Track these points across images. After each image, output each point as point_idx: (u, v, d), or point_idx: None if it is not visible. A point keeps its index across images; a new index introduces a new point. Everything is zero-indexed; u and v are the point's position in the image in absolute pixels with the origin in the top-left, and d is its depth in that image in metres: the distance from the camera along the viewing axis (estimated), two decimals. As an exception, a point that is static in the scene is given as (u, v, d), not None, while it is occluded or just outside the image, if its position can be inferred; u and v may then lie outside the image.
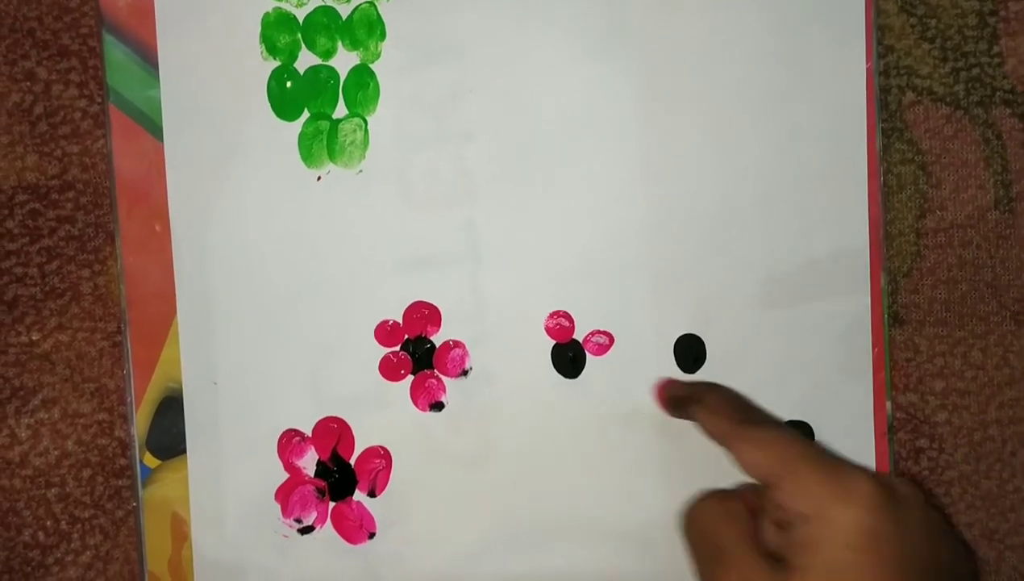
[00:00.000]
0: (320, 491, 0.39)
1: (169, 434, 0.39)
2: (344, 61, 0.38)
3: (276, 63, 0.38)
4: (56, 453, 0.39)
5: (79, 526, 0.39)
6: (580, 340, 0.39)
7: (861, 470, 0.29)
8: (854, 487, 0.28)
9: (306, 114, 0.38)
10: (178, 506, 0.39)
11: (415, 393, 0.39)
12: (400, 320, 0.39)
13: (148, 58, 0.38)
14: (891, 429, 0.40)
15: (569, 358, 0.39)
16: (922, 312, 0.40)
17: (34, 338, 0.39)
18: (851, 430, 0.40)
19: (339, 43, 0.38)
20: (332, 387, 0.39)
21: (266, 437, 0.39)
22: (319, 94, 0.38)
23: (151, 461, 0.39)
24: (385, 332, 0.39)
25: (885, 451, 0.40)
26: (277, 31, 0.38)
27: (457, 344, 0.39)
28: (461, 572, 0.39)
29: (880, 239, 0.39)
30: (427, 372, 0.39)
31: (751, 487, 0.31)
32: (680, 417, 0.37)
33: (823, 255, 0.39)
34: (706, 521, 0.31)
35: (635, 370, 0.39)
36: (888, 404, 0.40)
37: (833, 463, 0.29)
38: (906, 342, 0.41)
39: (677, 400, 0.37)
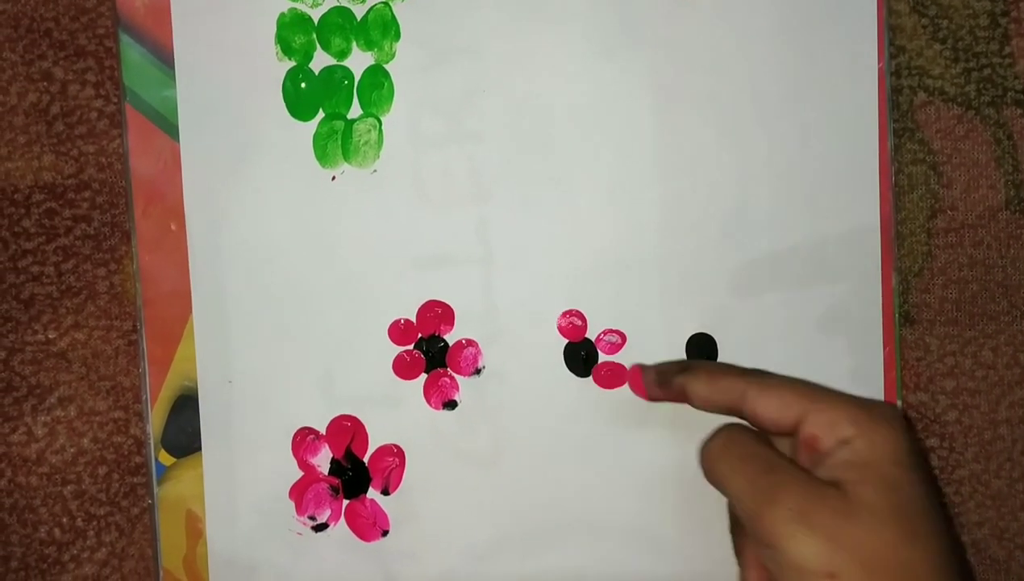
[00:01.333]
0: (334, 489, 0.39)
1: (184, 432, 0.39)
2: (359, 61, 0.39)
3: (291, 63, 0.39)
4: (72, 451, 0.39)
5: (95, 523, 0.40)
6: (592, 339, 0.39)
7: (882, 402, 0.31)
8: (886, 412, 0.30)
9: (321, 114, 0.39)
10: (193, 504, 0.39)
11: (428, 392, 0.39)
12: (414, 319, 0.39)
13: (164, 58, 0.38)
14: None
15: (582, 357, 0.39)
16: (933, 312, 0.41)
17: (50, 336, 0.39)
18: (862, 429, 0.40)
19: (354, 43, 0.39)
20: (346, 385, 0.39)
21: (280, 435, 0.39)
22: (334, 94, 0.39)
23: (166, 459, 0.39)
24: (399, 331, 0.39)
25: (896, 450, 0.40)
26: (292, 31, 0.38)
27: (470, 343, 0.39)
28: (474, 570, 0.39)
29: (891, 239, 0.40)
30: (440, 371, 0.39)
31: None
32: (664, 398, 0.35)
33: (834, 254, 0.39)
34: (746, 444, 0.31)
35: (647, 369, 0.39)
36: (899, 403, 0.40)
37: (854, 396, 0.31)
38: (917, 341, 0.41)
39: (667, 374, 0.35)
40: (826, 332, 0.40)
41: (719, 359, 0.40)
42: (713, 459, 0.31)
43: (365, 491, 0.39)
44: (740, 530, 0.33)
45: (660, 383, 0.35)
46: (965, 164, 0.40)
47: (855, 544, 0.28)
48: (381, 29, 0.39)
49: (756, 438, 0.31)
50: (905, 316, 0.41)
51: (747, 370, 0.35)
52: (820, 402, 0.30)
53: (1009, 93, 0.40)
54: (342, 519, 0.39)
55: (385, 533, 0.39)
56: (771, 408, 0.31)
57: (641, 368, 0.37)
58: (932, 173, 0.40)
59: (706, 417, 0.39)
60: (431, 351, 0.39)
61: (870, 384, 0.40)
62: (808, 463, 0.30)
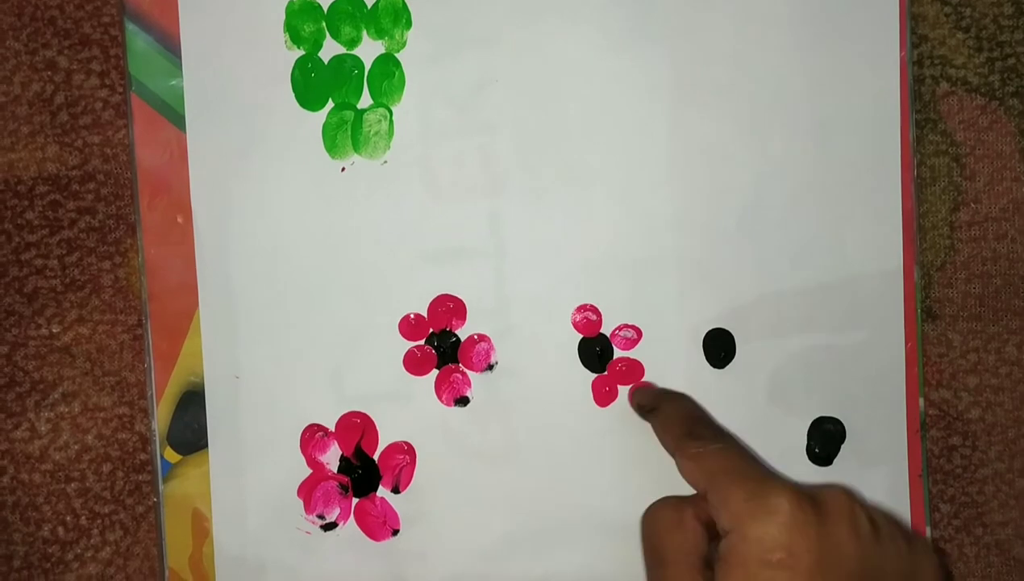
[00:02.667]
0: (343, 487, 0.38)
1: (190, 429, 0.38)
2: (369, 50, 0.38)
3: (300, 52, 0.38)
4: (76, 447, 0.39)
5: (99, 522, 0.39)
6: (607, 335, 0.39)
7: (783, 485, 0.29)
8: (772, 504, 0.29)
9: (330, 104, 0.38)
10: (199, 502, 0.38)
11: (440, 388, 0.39)
12: (425, 313, 0.38)
13: (171, 47, 0.38)
14: (924, 426, 0.39)
15: (596, 353, 0.39)
16: (955, 307, 0.40)
17: (54, 331, 0.39)
18: (883, 427, 0.39)
19: (364, 32, 0.38)
20: (356, 381, 0.38)
21: (289, 432, 0.38)
22: (344, 84, 0.38)
23: (172, 456, 0.38)
24: (409, 326, 0.38)
25: (917, 448, 0.39)
26: (301, 20, 0.38)
27: (482, 338, 0.39)
28: (485, 569, 0.39)
29: (913, 232, 0.39)
30: (452, 366, 0.38)
31: None
32: (645, 419, 0.38)
33: (855, 248, 0.39)
34: (655, 529, 0.32)
35: (663, 365, 0.39)
36: (921, 400, 0.39)
37: (758, 478, 0.30)
38: (939, 337, 0.40)
39: (642, 408, 0.38)
40: (846, 328, 0.39)
41: (737, 355, 0.39)
42: (642, 531, 0.33)
43: (375, 489, 0.39)
44: None
45: (639, 412, 0.38)
46: (988, 156, 0.39)
47: None
48: (392, 17, 0.38)
49: (672, 522, 0.31)
50: (927, 311, 0.40)
51: (693, 421, 0.35)
52: (719, 486, 0.30)
53: (1034, 83, 0.39)
54: (351, 518, 0.39)
55: (395, 532, 0.39)
56: (686, 478, 0.32)
57: (632, 391, 0.39)
58: (955, 165, 0.40)
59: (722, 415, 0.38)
60: (442, 346, 0.38)
61: (891, 381, 0.39)
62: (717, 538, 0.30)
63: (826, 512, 0.29)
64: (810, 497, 0.29)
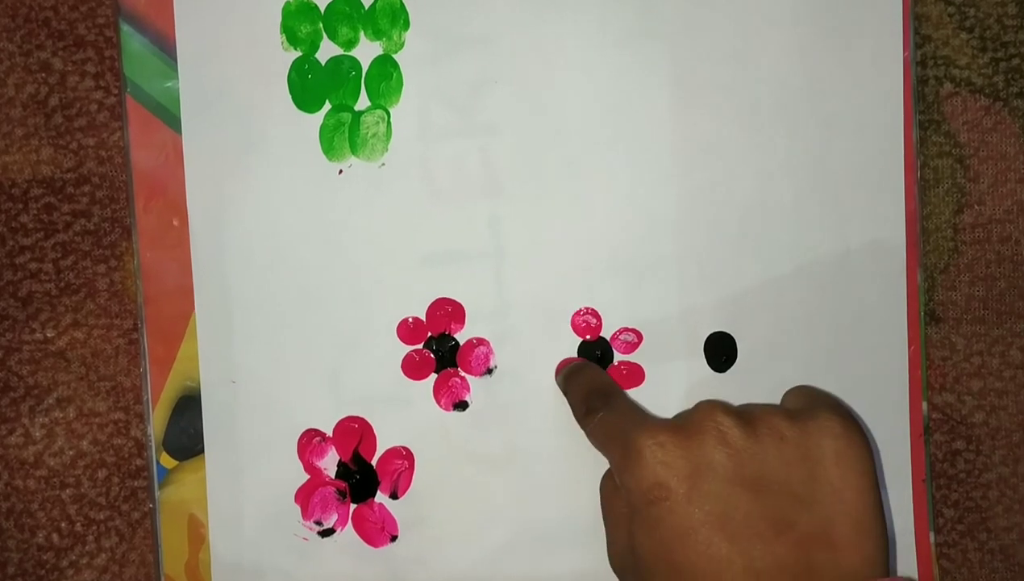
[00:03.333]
0: (341, 493, 0.38)
1: (186, 434, 0.38)
2: (367, 51, 0.38)
3: (297, 53, 0.37)
4: (71, 453, 0.38)
5: (94, 528, 0.38)
6: (608, 338, 0.38)
7: (646, 426, 0.30)
8: (636, 449, 0.29)
9: (327, 106, 0.37)
10: (195, 508, 0.38)
11: (438, 392, 0.38)
12: (423, 317, 0.38)
13: (166, 48, 0.37)
14: (927, 430, 0.39)
15: (596, 356, 0.38)
16: (959, 309, 0.39)
17: (49, 335, 0.38)
18: (886, 431, 0.38)
19: (361, 33, 0.37)
20: (353, 386, 0.38)
21: (286, 437, 0.38)
22: (341, 85, 0.37)
23: (168, 462, 0.38)
24: (407, 329, 0.38)
25: (921, 453, 0.39)
26: (298, 21, 0.37)
27: (481, 342, 0.38)
28: (485, 575, 0.38)
29: (916, 234, 0.38)
30: (451, 371, 0.38)
31: None
32: None
33: (858, 251, 0.38)
34: (601, 494, 0.33)
35: (664, 369, 0.38)
36: (924, 404, 0.39)
37: (629, 429, 0.30)
38: (942, 340, 0.39)
39: (560, 389, 0.38)
40: (849, 331, 0.38)
41: (739, 359, 0.38)
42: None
43: (373, 495, 0.38)
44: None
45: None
46: (993, 157, 0.39)
47: None
48: (390, 18, 0.37)
49: (612, 488, 0.32)
50: (931, 314, 0.39)
51: (589, 401, 0.35)
52: (606, 452, 0.32)
53: (1038, 84, 0.39)
54: (349, 524, 0.38)
55: (394, 538, 0.38)
56: (594, 446, 0.33)
57: (557, 369, 0.38)
58: (959, 166, 0.39)
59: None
60: (441, 350, 0.38)
61: (894, 384, 0.39)
62: None
63: (690, 434, 0.29)
64: (673, 427, 0.30)
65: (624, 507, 0.31)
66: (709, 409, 0.30)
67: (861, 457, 0.29)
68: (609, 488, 0.32)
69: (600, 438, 0.33)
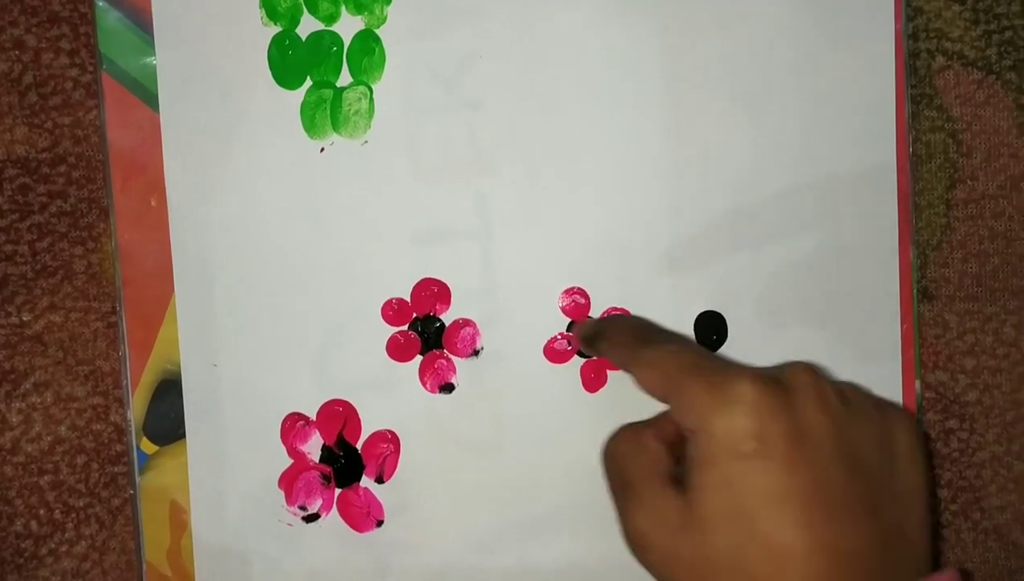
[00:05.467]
0: (325, 477, 0.37)
1: (167, 418, 0.37)
2: (348, 26, 0.37)
3: (277, 29, 0.37)
4: (49, 439, 0.37)
5: (73, 515, 0.38)
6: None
7: (744, 371, 0.27)
8: (735, 392, 0.26)
9: (308, 82, 0.37)
10: (177, 494, 0.37)
11: (424, 374, 0.37)
12: (408, 298, 0.37)
13: (142, 24, 0.36)
14: (920, 409, 0.38)
15: (585, 337, 0.38)
16: (952, 287, 0.39)
17: (25, 319, 0.37)
18: (878, 410, 0.38)
19: (343, 7, 0.37)
20: (337, 369, 0.37)
21: (268, 421, 0.37)
22: (322, 61, 0.37)
23: (148, 447, 0.37)
24: (392, 311, 0.37)
25: (914, 432, 0.38)
26: (278, -5, 0.36)
27: (467, 323, 0.37)
28: (472, 560, 0.38)
29: (909, 211, 0.38)
30: (436, 352, 0.37)
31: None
32: (594, 355, 0.37)
33: (849, 227, 0.38)
34: (616, 457, 0.30)
35: (654, 349, 0.38)
36: (917, 383, 0.38)
37: (718, 370, 0.27)
38: (935, 318, 0.39)
39: (588, 339, 0.35)
40: (841, 309, 0.38)
41: (729, 338, 0.38)
42: (602, 465, 0.31)
43: (358, 479, 0.37)
44: None
45: (587, 346, 0.36)
46: (985, 132, 0.38)
47: (690, 559, 0.26)
48: (371, -8, 0.37)
49: (632, 448, 0.30)
50: (923, 291, 0.39)
51: (644, 329, 0.33)
52: (679, 386, 0.28)
53: (1031, 57, 0.38)
54: (334, 509, 0.37)
55: (380, 523, 0.38)
56: (645, 388, 0.29)
57: (576, 327, 0.37)
58: (951, 141, 0.39)
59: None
60: (426, 332, 0.37)
61: (887, 363, 0.38)
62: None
63: (793, 392, 0.27)
64: (774, 379, 0.27)
65: (662, 462, 0.28)
66: (812, 371, 0.28)
67: (926, 461, 0.28)
68: (630, 444, 0.30)
69: (666, 373, 0.29)
